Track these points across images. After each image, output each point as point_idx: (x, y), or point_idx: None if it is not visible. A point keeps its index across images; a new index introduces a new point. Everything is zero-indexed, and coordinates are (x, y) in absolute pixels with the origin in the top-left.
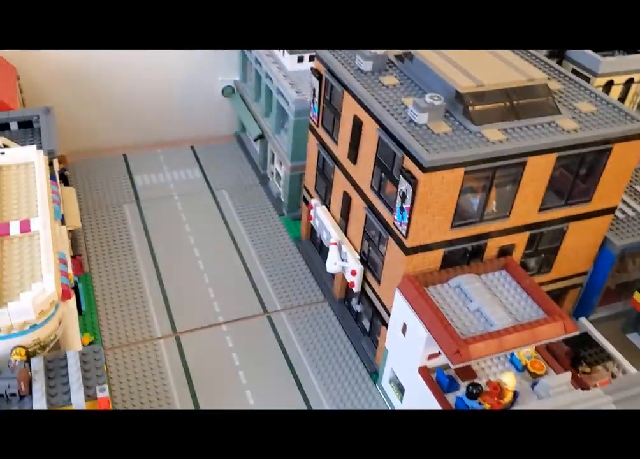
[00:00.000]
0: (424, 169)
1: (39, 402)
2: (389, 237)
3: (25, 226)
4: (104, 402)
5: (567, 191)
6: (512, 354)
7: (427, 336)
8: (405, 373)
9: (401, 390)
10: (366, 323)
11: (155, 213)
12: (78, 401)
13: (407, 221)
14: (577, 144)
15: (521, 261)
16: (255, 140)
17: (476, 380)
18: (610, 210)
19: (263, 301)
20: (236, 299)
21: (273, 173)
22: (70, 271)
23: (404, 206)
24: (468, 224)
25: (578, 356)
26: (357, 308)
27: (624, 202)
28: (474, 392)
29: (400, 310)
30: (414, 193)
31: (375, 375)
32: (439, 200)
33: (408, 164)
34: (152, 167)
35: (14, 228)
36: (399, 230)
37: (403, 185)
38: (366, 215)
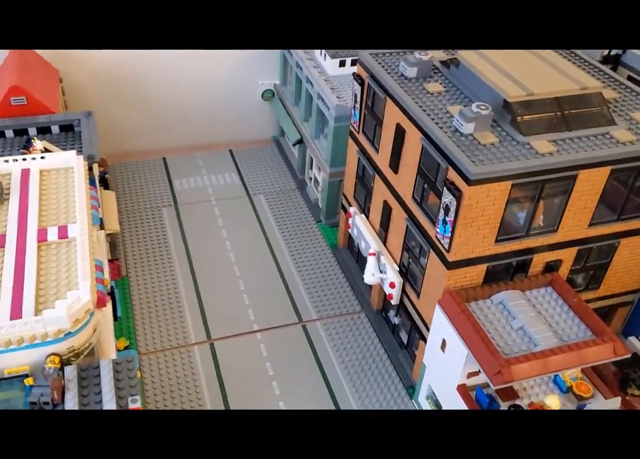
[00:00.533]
0: (469, 182)
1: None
2: (431, 250)
3: (62, 232)
4: None
5: (620, 206)
6: (556, 375)
7: (467, 354)
8: (443, 390)
9: (438, 407)
10: (403, 336)
11: (193, 217)
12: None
13: (449, 234)
14: (633, 157)
15: (568, 276)
16: (294, 145)
17: (517, 401)
18: None
19: (298, 309)
20: (271, 307)
21: (311, 179)
22: (107, 276)
23: (447, 219)
24: (513, 239)
25: (627, 377)
26: (395, 320)
27: None
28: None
29: (440, 326)
30: (458, 206)
31: (411, 389)
32: (484, 214)
33: (453, 175)
34: (190, 171)
35: (52, 234)
36: (441, 243)
37: (447, 198)
38: (407, 226)
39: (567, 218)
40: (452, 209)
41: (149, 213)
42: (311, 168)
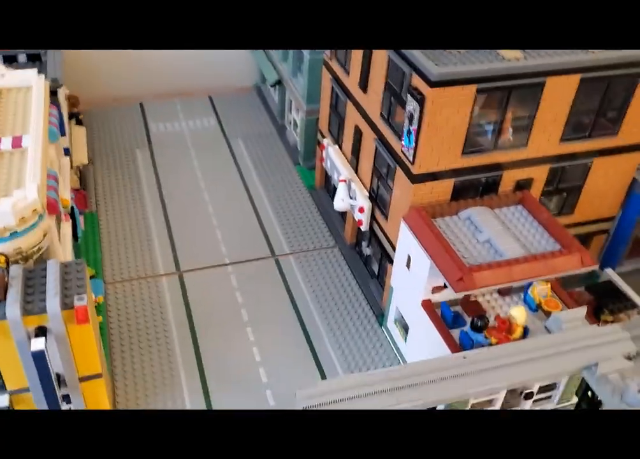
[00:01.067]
0: (431, 84)
1: (11, 307)
2: (397, 166)
3: (17, 142)
4: (82, 311)
5: (591, 122)
6: (525, 293)
7: (430, 265)
8: (409, 310)
9: (405, 329)
10: (375, 266)
11: (167, 158)
12: (53, 309)
13: (414, 145)
14: (602, 65)
15: (541, 198)
16: (272, 86)
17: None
18: (639, 146)
19: (272, 244)
20: (243, 242)
21: (290, 123)
22: (68, 198)
23: (411, 128)
24: (480, 152)
25: (601, 305)
26: (367, 251)
27: None
28: (479, 324)
29: (405, 243)
30: (421, 112)
31: (382, 317)
32: (448, 122)
33: (416, 81)
34: (167, 116)
35: (6, 143)
36: (406, 157)
37: (411, 105)
38: (376, 147)
39: (537, 131)
40: (416, 116)
41: (122, 153)
42: (290, 112)
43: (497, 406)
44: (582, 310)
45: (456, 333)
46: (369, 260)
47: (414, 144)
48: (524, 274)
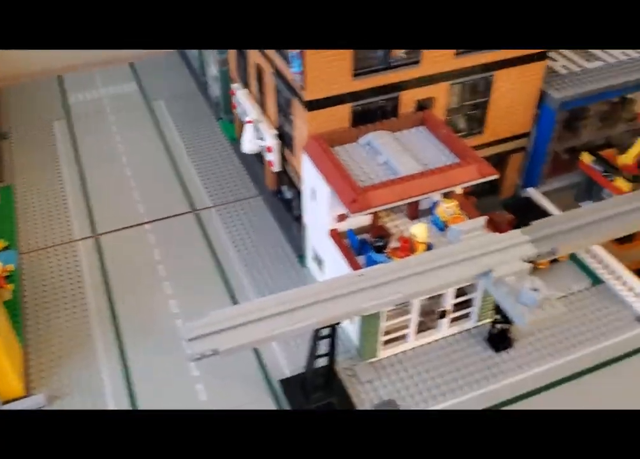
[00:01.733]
0: None
1: None
2: (293, 97)
3: None
4: None
5: None
6: (432, 214)
7: (330, 192)
8: (321, 243)
9: (321, 266)
10: (296, 209)
11: (86, 128)
12: None
13: (301, 70)
14: None
15: (447, 119)
16: None
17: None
18: (541, 56)
19: (192, 199)
20: (163, 199)
21: (211, 77)
22: None
23: (296, 51)
24: (373, 72)
25: (521, 223)
26: (288, 194)
27: (569, 59)
28: (379, 245)
29: (308, 175)
30: None
31: (303, 257)
32: None
33: None
34: (86, 86)
35: None
36: (298, 84)
37: None
38: (275, 82)
39: None
40: None
41: (40, 126)
42: (210, 66)
43: (412, 327)
44: (481, 220)
45: (364, 260)
46: (290, 204)
47: (301, 68)
48: (421, 189)
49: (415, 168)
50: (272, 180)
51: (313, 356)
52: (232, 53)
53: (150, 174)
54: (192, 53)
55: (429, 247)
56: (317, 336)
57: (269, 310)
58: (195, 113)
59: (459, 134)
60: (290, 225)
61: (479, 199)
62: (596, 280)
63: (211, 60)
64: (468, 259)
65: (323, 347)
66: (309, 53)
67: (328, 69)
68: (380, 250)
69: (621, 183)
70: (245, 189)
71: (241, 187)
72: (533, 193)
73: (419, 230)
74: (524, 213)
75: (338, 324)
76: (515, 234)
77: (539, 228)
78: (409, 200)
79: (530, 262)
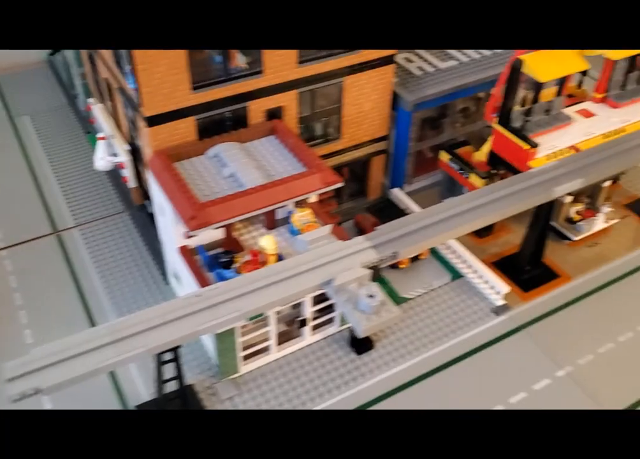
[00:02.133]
0: None
1: None
2: (136, 113)
3: None
4: None
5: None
6: (291, 226)
7: (172, 209)
8: (176, 260)
9: (179, 281)
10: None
11: None
12: None
13: (136, 86)
14: None
15: (301, 127)
16: (51, 55)
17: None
18: (388, 60)
19: (54, 220)
20: (22, 222)
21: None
22: None
23: (129, 67)
24: (213, 84)
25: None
26: (151, 209)
27: (425, 60)
28: (225, 260)
29: (155, 191)
30: (129, 54)
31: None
32: (165, 55)
33: None
34: None
35: None
36: (136, 100)
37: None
38: (121, 97)
39: (269, 55)
40: (126, 54)
41: None
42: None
43: (273, 339)
44: (326, 229)
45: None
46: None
47: (136, 85)
48: (264, 201)
49: (260, 180)
50: (137, 195)
51: (160, 380)
52: (87, 66)
53: (8, 196)
54: (61, 65)
55: (279, 258)
56: (159, 361)
57: (98, 341)
58: (63, 128)
59: (317, 141)
60: (156, 242)
61: (347, 202)
62: (456, 275)
63: (75, 73)
64: (312, 269)
65: (170, 370)
66: (140, 69)
67: (164, 84)
68: (227, 265)
69: (475, 179)
70: (111, 205)
71: (107, 204)
72: (398, 193)
73: (267, 242)
74: (387, 215)
75: (178, 347)
76: (358, 241)
77: (381, 233)
78: (252, 213)
79: (372, 267)
